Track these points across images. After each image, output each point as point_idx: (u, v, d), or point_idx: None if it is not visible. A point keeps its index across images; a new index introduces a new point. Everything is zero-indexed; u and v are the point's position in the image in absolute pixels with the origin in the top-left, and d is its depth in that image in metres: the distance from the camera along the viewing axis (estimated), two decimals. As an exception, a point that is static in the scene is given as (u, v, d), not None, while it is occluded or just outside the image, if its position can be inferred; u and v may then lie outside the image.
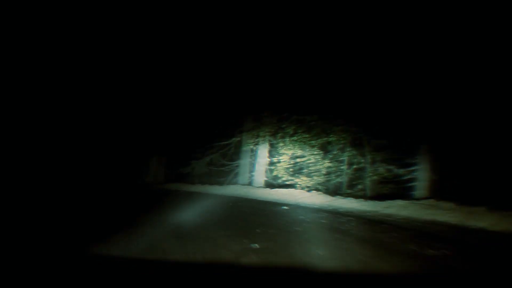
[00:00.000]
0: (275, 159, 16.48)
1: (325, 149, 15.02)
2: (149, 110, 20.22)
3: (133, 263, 4.03)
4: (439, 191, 12.79)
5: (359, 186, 14.51)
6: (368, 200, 11.51)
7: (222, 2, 16.40)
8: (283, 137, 15.71)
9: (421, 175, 13.62)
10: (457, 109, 12.63)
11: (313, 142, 14.83)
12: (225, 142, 19.20)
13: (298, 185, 15.10)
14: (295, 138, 15.19)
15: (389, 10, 13.01)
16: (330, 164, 14.92)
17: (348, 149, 14.70)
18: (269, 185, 16.55)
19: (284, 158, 15.96)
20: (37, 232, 5.45)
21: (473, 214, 8.66)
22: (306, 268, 4.10)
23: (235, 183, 18.20)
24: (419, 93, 12.96)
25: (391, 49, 13.26)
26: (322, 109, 14.76)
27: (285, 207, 9.84)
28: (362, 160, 14.64)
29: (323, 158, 14.98)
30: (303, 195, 13.29)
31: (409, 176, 13.79)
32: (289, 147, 15.59)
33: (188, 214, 7.96)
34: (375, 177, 14.27)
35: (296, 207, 10.12)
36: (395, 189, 14.16)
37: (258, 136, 16.96)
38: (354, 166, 14.94)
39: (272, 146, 17.01)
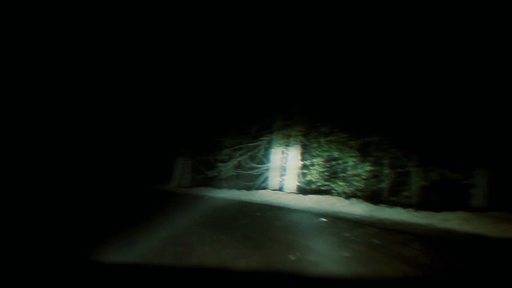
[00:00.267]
0: (308, 162, 14.93)
1: (365, 150, 13.33)
2: (174, 109, 19.15)
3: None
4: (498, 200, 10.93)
5: (405, 193, 12.71)
6: (418, 210, 9.78)
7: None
8: (317, 137, 14.13)
9: (479, 181, 11.73)
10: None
11: (351, 142, 13.17)
12: (254, 144, 17.81)
13: (334, 191, 13.48)
14: (331, 138, 13.56)
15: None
16: (371, 168, 13.19)
17: (392, 150, 12.93)
18: (302, 190, 15.02)
19: (318, 160, 14.38)
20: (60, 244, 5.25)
21: None
22: None
23: (265, 188, 16.79)
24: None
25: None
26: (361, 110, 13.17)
27: (323, 219, 8.30)
28: (408, 163, 12.85)
29: (363, 161, 13.29)
30: (341, 203, 11.69)
31: (464, 182, 11.91)
32: (324, 149, 13.99)
33: (207, 226, 6.64)
34: (423, 183, 12.45)
35: (336, 219, 8.54)
36: (446, 196, 12.33)
37: (289, 137, 15.47)
38: (398, 170, 13.18)
39: (305, 147, 15.48)
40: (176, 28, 17.45)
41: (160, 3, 16.92)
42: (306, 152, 15.41)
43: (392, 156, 13.15)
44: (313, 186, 14.48)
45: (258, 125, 17.47)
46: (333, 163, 14.12)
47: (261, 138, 17.23)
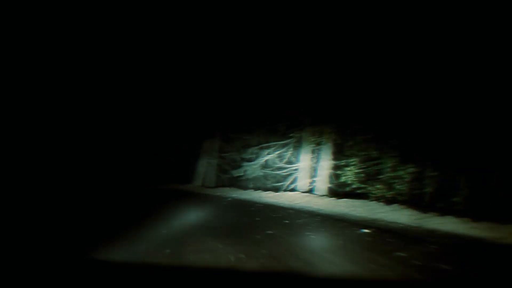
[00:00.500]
0: (342, 163, 13.49)
1: (408, 150, 11.73)
2: (199, 104, 18.10)
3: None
4: None
5: (455, 198, 11.03)
6: (480, 221, 8.19)
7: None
8: (353, 135, 12.69)
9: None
10: None
11: (392, 141, 11.63)
12: (282, 142, 16.55)
13: (372, 195, 11.99)
14: (369, 136, 12.10)
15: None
16: (414, 169, 11.59)
17: (439, 151, 11.28)
18: (334, 193, 13.60)
19: (353, 161, 12.91)
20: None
21: None
22: None
23: (293, 190, 15.48)
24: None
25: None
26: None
27: (365, 230, 6.92)
28: (458, 166, 11.17)
29: (405, 162, 11.70)
30: (381, 209, 10.20)
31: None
32: (360, 147, 12.54)
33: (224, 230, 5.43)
34: (477, 188, 10.74)
35: (381, 230, 7.13)
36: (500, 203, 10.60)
37: (321, 134, 14.11)
38: (446, 172, 11.50)
39: (338, 146, 14.03)
40: (208, 24, 16.59)
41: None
42: (339, 151, 13.96)
43: (438, 157, 11.53)
44: (347, 189, 13.01)
45: (287, 122, 16.17)
46: (370, 163, 12.57)
47: (290, 136, 15.94)
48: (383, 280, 3.80)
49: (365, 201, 11.17)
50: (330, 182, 14.36)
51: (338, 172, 13.62)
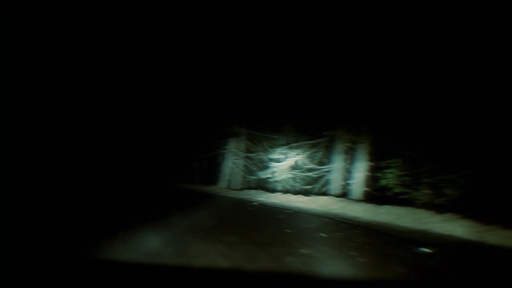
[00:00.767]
0: (382, 164, 11.93)
1: (462, 148, 10.03)
2: (225, 98, 16.93)
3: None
4: None
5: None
6: None
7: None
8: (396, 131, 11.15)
9: None
10: None
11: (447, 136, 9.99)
12: (312, 141, 15.16)
13: (418, 201, 10.39)
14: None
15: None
16: (468, 173, 9.88)
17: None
18: (372, 197, 12.09)
19: (396, 161, 11.33)
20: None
21: None
22: None
23: (326, 193, 14.05)
24: None
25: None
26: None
27: (425, 250, 5.46)
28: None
29: (459, 162, 10.01)
30: (431, 218, 8.60)
31: None
32: (405, 145, 10.96)
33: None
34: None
35: (445, 251, 5.66)
36: None
37: (359, 132, 12.65)
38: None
39: (377, 145, 12.51)
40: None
41: None
42: (379, 151, 12.42)
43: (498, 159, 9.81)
44: (388, 194, 11.46)
45: (318, 121, 14.76)
46: (416, 165, 10.94)
47: (322, 134, 14.53)
48: None
49: (411, 208, 9.58)
50: (367, 186, 12.85)
51: (378, 174, 12.08)
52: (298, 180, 15.94)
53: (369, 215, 9.55)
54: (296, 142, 15.55)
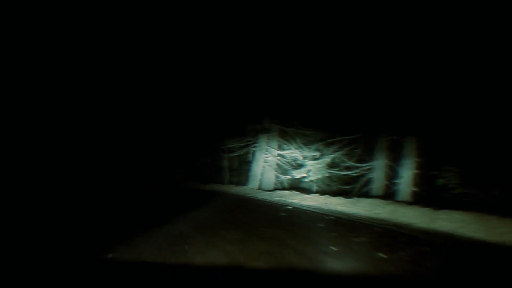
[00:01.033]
0: (437, 160, 10.19)
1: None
2: (255, 95, 15.56)
3: None
4: None
5: None
6: None
7: None
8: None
9: None
10: None
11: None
12: (351, 137, 13.57)
13: (485, 204, 8.61)
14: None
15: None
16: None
17: None
18: (423, 199, 10.39)
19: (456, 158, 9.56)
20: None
21: None
22: None
23: (368, 194, 12.45)
24: None
25: None
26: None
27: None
28: None
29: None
30: (508, 227, 6.94)
31: None
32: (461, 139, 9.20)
33: None
34: None
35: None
36: None
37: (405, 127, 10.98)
38: None
39: (430, 137, 10.76)
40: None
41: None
42: (432, 145, 10.67)
43: None
44: (446, 195, 9.71)
45: (357, 112, 13.14)
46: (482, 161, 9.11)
47: (362, 128, 12.93)
48: None
49: (480, 214, 7.84)
50: (416, 185, 11.15)
51: (435, 172, 10.33)
52: (335, 180, 14.40)
53: (426, 222, 7.87)
54: (333, 137, 14.01)
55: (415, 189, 11.22)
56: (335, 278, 3.77)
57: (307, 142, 14.76)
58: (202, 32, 16.34)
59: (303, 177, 14.39)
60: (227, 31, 15.56)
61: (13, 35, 14.59)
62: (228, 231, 5.89)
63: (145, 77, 18.68)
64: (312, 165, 13.85)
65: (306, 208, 9.72)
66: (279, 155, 15.78)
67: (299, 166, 15.23)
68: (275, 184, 15.89)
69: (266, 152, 15.72)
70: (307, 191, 13.67)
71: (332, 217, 7.98)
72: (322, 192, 12.91)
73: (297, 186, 15.14)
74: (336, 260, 4.38)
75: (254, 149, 16.30)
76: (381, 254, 4.70)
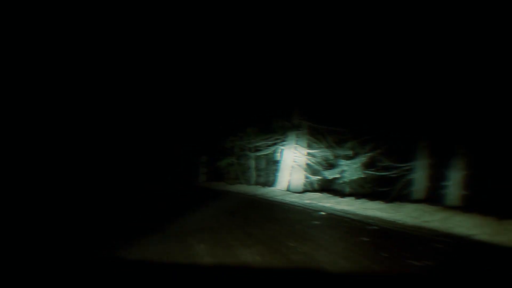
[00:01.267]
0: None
1: None
2: (282, 87, 14.35)
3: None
4: None
5: None
6: None
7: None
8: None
9: None
10: None
11: None
12: (389, 134, 12.14)
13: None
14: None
15: None
16: None
17: None
18: (474, 205, 8.91)
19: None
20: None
21: None
22: None
23: (409, 198, 11.05)
24: None
25: None
26: None
27: None
28: None
29: None
30: None
31: None
32: None
33: None
34: None
35: None
36: None
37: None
38: None
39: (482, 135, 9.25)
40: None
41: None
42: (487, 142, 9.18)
43: None
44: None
45: (396, 108, 11.73)
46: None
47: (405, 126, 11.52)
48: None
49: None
50: (465, 188, 9.69)
51: (487, 174, 8.85)
52: (369, 181, 13.04)
53: (489, 234, 6.50)
54: (368, 135, 12.64)
55: (464, 192, 9.74)
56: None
57: (340, 140, 13.43)
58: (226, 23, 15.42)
59: (337, 178, 13.09)
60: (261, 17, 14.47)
61: (13, 35, 14.37)
62: (247, 248, 4.75)
63: (156, 75, 18.35)
64: (347, 165, 12.51)
65: (342, 214, 8.46)
66: (309, 154, 14.51)
67: (331, 166, 13.94)
68: (304, 185, 14.64)
69: (295, 151, 14.46)
70: (339, 193, 12.38)
71: (375, 227, 6.67)
72: (355, 195, 11.59)
73: (327, 187, 13.86)
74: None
75: (282, 147, 15.11)
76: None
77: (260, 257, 4.34)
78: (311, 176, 14.53)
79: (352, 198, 10.76)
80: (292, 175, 14.69)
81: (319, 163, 14.41)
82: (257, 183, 16.57)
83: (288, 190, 14.16)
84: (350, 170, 12.42)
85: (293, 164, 14.65)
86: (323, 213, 8.53)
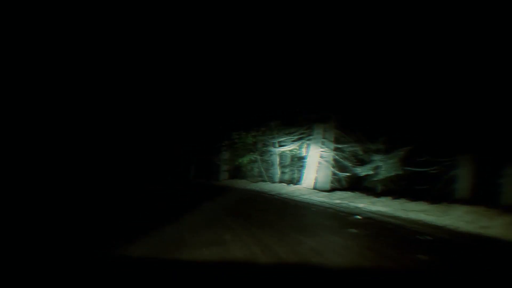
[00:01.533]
0: None
1: None
2: (309, 77, 13.07)
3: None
4: None
5: None
6: None
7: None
8: None
9: None
10: None
11: None
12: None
13: None
14: None
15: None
16: None
17: None
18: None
19: None
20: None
21: None
22: None
23: (453, 197, 9.67)
24: None
25: None
26: None
27: None
28: None
29: None
30: None
31: None
32: None
33: None
34: None
35: None
36: None
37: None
38: None
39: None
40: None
41: None
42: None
43: None
44: None
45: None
46: None
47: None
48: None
49: None
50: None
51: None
52: (404, 177, 11.68)
53: None
54: (403, 128, 11.26)
55: (524, 191, 8.30)
56: None
57: (371, 134, 12.09)
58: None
59: (370, 175, 11.78)
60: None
61: (13, 35, 13.91)
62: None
63: (156, 75, 17.81)
64: (382, 160, 11.18)
65: (381, 218, 7.18)
66: (337, 148, 13.22)
67: (360, 161, 12.65)
68: (332, 182, 13.38)
69: (322, 146, 13.19)
70: (372, 191, 11.08)
71: (428, 237, 5.40)
72: (390, 193, 10.26)
73: (356, 185, 12.57)
74: None
75: (308, 142, 13.88)
76: None
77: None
78: (339, 172, 13.25)
79: (388, 197, 9.45)
80: (319, 172, 13.41)
81: (347, 159, 13.12)
82: (281, 181, 15.40)
83: (314, 188, 12.89)
84: (386, 166, 11.08)
85: (319, 160, 13.38)
86: (359, 217, 7.28)
